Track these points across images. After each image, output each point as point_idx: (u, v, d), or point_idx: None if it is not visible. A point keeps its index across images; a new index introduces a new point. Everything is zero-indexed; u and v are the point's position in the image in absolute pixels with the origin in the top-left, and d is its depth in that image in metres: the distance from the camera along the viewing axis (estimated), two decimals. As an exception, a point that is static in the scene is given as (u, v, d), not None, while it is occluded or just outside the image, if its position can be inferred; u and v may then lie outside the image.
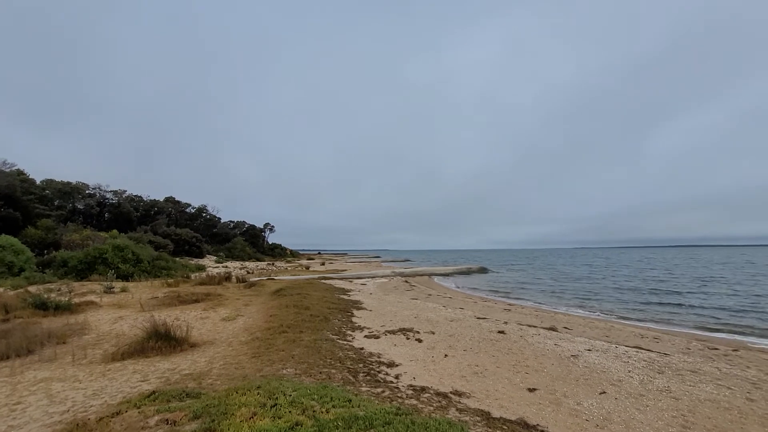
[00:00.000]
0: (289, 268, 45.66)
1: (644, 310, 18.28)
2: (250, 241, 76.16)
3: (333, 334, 9.08)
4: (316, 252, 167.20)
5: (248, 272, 34.55)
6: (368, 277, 34.13)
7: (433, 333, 10.13)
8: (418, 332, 10.12)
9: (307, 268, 47.45)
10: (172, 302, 13.60)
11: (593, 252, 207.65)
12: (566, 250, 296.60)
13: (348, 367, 6.47)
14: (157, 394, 4.69)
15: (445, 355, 7.95)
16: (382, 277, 35.56)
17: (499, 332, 10.49)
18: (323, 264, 62.04)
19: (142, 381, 5.72)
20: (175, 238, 48.50)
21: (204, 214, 74.52)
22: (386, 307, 14.89)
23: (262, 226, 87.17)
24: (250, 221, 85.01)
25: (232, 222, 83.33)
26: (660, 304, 20.19)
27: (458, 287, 30.23)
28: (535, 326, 12.16)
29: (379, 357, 7.48)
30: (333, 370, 6.19)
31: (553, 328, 12.01)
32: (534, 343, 9.26)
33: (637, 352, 8.99)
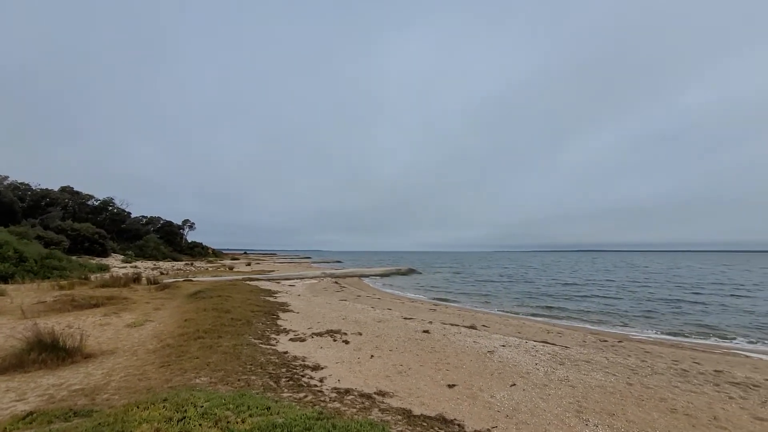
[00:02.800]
0: (210, 269, 42.54)
1: (551, 308, 20.36)
2: (166, 239, 69.48)
3: (255, 339, 8.63)
4: (242, 252, 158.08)
5: (162, 273, 31.47)
6: (297, 279, 33.20)
7: (361, 334, 10.16)
8: (345, 334, 10.07)
9: (231, 268, 44.65)
10: (65, 307, 11.84)
11: (512, 255, 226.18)
12: (489, 253, 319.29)
13: (270, 373, 6.18)
14: (35, 414, 4.02)
15: (372, 356, 8.01)
16: (311, 278, 34.82)
17: (424, 332, 10.86)
18: (249, 264, 58.92)
19: (18, 400, 4.86)
20: (72, 233, 42.35)
21: (110, 208, 66.04)
22: (314, 308, 14.58)
23: (180, 223, 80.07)
24: (166, 217, 77.47)
25: (145, 217, 75.18)
26: (565, 300, 22.67)
27: (387, 288, 30.78)
28: (457, 325, 12.83)
29: (303, 360, 7.27)
30: (253, 377, 5.86)
31: (473, 327, 12.78)
32: (455, 341, 9.75)
33: (543, 346, 9.94)
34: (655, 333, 14.25)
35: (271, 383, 5.67)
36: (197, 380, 5.51)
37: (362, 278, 40.24)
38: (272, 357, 7.23)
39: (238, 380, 5.63)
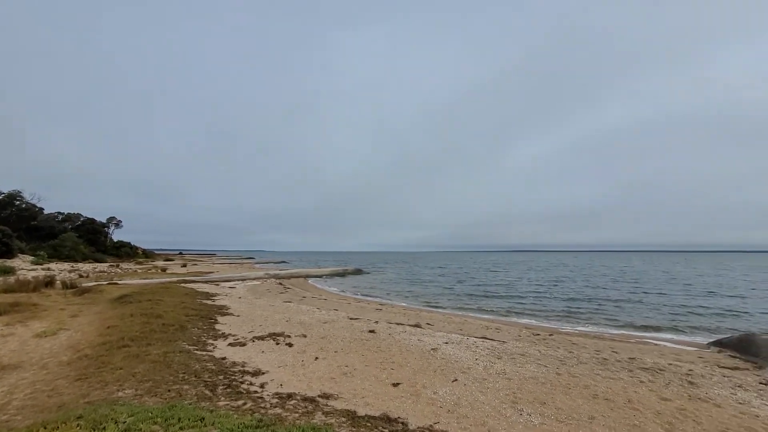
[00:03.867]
0: (139, 271, 39.07)
1: (491, 306, 21.45)
2: (88, 239, 62.52)
3: (190, 345, 8.04)
4: (177, 252, 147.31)
5: (81, 276, 28.32)
6: (238, 280, 31.66)
7: (305, 336, 9.90)
8: (289, 336, 9.75)
9: (164, 270, 41.36)
10: (-46, 317, 10.16)
11: (460, 255, 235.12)
12: (437, 253, 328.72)
13: (205, 381, 5.78)
14: None
15: (316, 358, 7.83)
16: (254, 279, 33.42)
17: (370, 331, 10.86)
18: (185, 266, 55.00)
19: None
20: (-33, 231, 36.61)
21: (17, 202, 58.00)
22: (256, 311, 13.97)
23: (104, 221, 72.55)
24: (87, 214, 69.60)
25: (61, 214, 67.06)
26: (503, 299, 24.03)
27: (334, 289, 30.45)
28: (402, 324, 13.01)
29: (243, 366, 6.91)
30: (186, 386, 5.44)
31: (417, 325, 13.03)
32: (401, 340, 9.86)
33: (483, 341, 10.40)
34: (581, 326, 15.60)
35: (207, 392, 5.30)
36: (120, 393, 4.99)
37: (308, 279, 39.44)
38: (208, 364, 6.78)
39: (168, 391, 5.19)
